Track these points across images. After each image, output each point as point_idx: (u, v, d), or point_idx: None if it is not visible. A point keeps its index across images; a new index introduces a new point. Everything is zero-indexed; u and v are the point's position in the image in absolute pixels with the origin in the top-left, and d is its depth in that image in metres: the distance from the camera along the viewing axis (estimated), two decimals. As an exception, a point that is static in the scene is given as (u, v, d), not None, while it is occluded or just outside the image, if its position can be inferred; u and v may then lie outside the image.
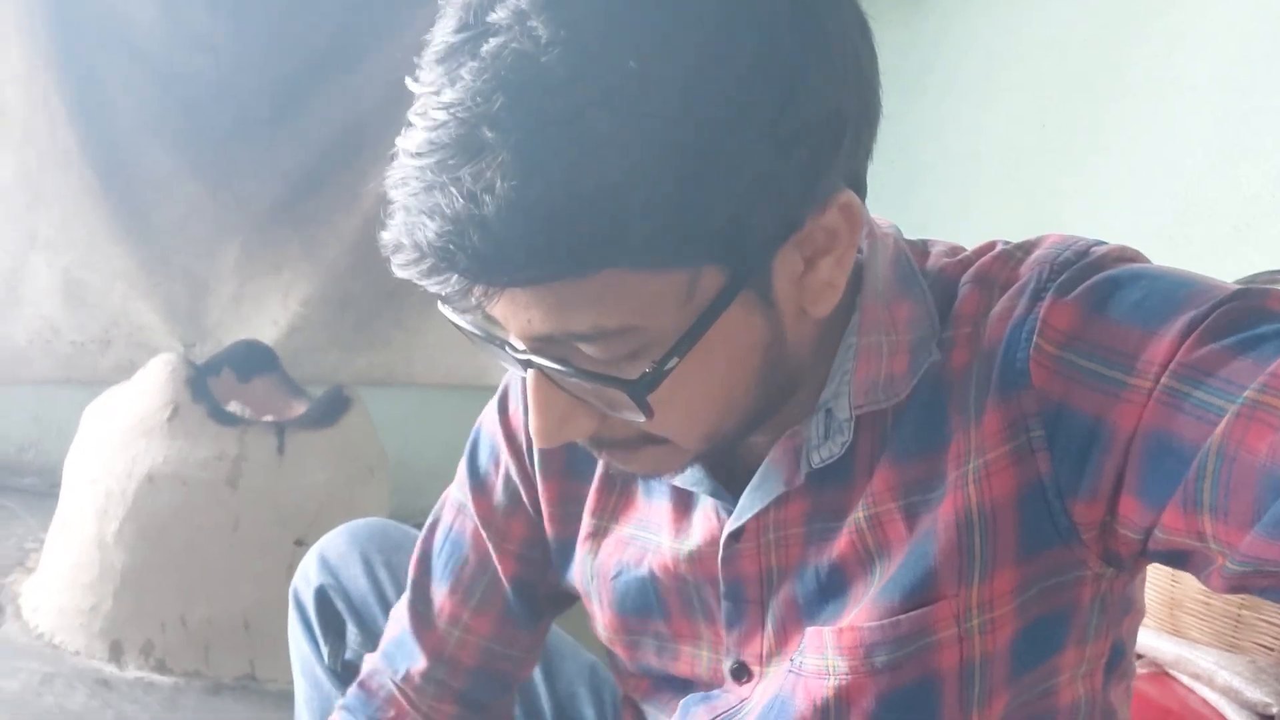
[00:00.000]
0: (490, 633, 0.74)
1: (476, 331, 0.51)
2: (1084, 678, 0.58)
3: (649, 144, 0.42)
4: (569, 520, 0.70)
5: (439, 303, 0.48)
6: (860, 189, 0.51)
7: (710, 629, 0.64)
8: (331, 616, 0.86)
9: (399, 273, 0.45)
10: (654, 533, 0.65)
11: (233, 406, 1.83)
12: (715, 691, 0.65)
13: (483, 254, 0.42)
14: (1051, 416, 0.50)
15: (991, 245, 0.56)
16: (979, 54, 2.12)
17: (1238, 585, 0.47)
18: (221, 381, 1.86)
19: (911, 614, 0.54)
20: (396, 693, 0.76)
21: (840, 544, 0.57)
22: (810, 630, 0.58)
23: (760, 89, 0.44)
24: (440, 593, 0.74)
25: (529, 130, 0.41)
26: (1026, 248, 0.55)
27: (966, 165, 2.13)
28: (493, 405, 0.73)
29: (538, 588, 0.74)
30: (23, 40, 1.94)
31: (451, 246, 0.42)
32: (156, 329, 2.15)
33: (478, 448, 0.74)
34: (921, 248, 0.59)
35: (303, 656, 0.88)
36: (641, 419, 0.49)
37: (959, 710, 0.55)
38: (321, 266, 2.24)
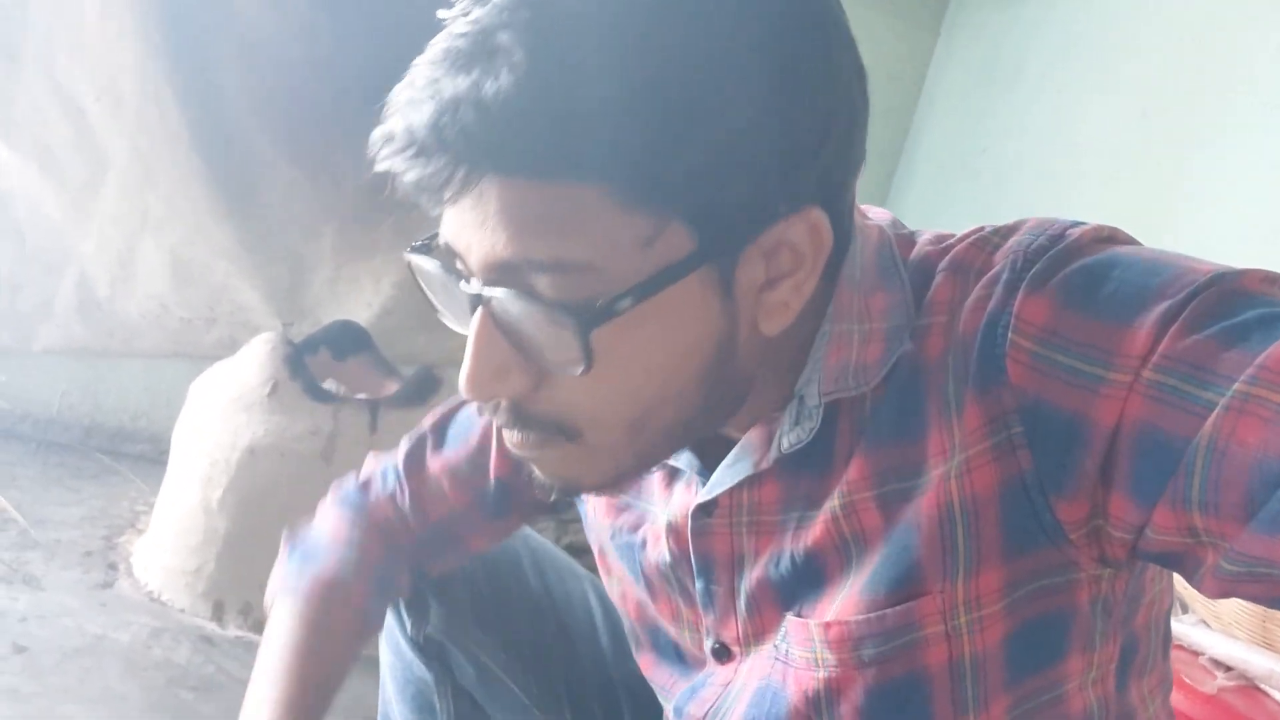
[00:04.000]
0: (460, 505, 0.81)
1: (436, 270, 0.52)
2: (1095, 683, 0.57)
3: (650, 77, 0.45)
4: None
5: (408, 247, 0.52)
6: (836, 214, 0.52)
7: (689, 610, 0.66)
8: (416, 590, 0.90)
9: (380, 165, 0.47)
10: (647, 501, 0.68)
11: (328, 384, 1.90)
12: (699, 677, 0.68)
13: (473, 133, 0.44)
14: (1030, 413, 0.49)
15: (977, 229, 0.55)
16: (1081, 45, 2.05)
17: (1230, 589, 0.46)
18: (318, 360, 1.94)
19: (897, 608, 0.54)
20: (384, 499, 0.84)
21: (816, 531, 0.57)
22: (794, 621, 0.59)
23: (759, 63, 0.47)
24: (437, 457, 0.82)
25: (544, 39, 0.44)
26: (1004, 232, 0.54)
27: (1063, 159, 2.07)
28: None
29: (518, 492, 0.79)
30: (136, 33, 2.03)
31: (444, 122, 0.44)
32: (257, 307, 2.25)
33: None
34: (909, 238, 0.58)
35: (387, 628, 0.92)
36: (579, 369, 0.48)
37: (953, 710, 0.55)
38: (413, 249, 2.30)
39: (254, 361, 1.74)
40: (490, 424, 0.78)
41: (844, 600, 0.56)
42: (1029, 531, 0.51)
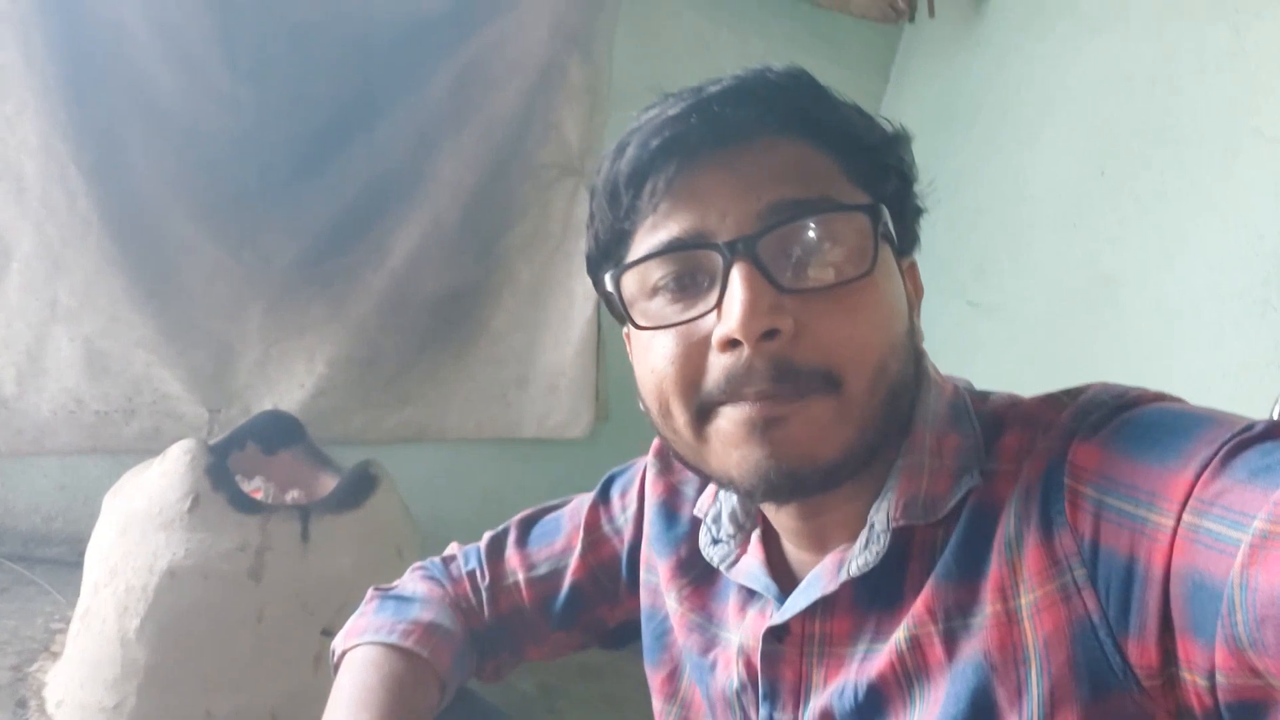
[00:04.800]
0: (526, 606, 0.85)
1: (673, 260, 0.58)
2: None
3: (859, 112, 0.63)
4: (650, 589, 0.78)
5: (650, 235, 0.59)
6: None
7: None
8: None
9: (658, 138, 0.58)
10: (720, 625, 0.71)
11: (256, 483, 1.77)
12: None
13: (779, 91, 0.59)
14: (1089, 555, 0.51)
15: (1048, 393, 0.60)
16: (1034, 91, 2.00)
17: None
18: (246, 455, 1.80)
19: None
20: (465, 577, 0.87)
21: (880, 663, 0.59)
22: None
23: (891, 127, 0.64)
24: (518, 551, 0.86)
25: (799, 72, 0.61)
26: (1074, 393, 0.58)
27: (1021, 207, 2.01)
28: (655, 461, 0.81)
29: (586, 607, 0.84)
30: (40, 111, 1.89)
31: (752, 85, 0.58)
32: (181, 396, 2.10)
33: (626, 476, 0.85)
34: (984, 394, 0.65)
35: None
36: (866, 266, 0.56)
37: None
38: (349, 325, 2.18)
39: (172, 473, 1.59)
40: (575, 529, 0.84)
41: None
42: (1101, 675, 0.51)
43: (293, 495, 1.76)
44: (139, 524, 1.57)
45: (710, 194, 0.57)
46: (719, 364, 0.56)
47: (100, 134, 1.94)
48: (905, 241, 0.63)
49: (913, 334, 0.61)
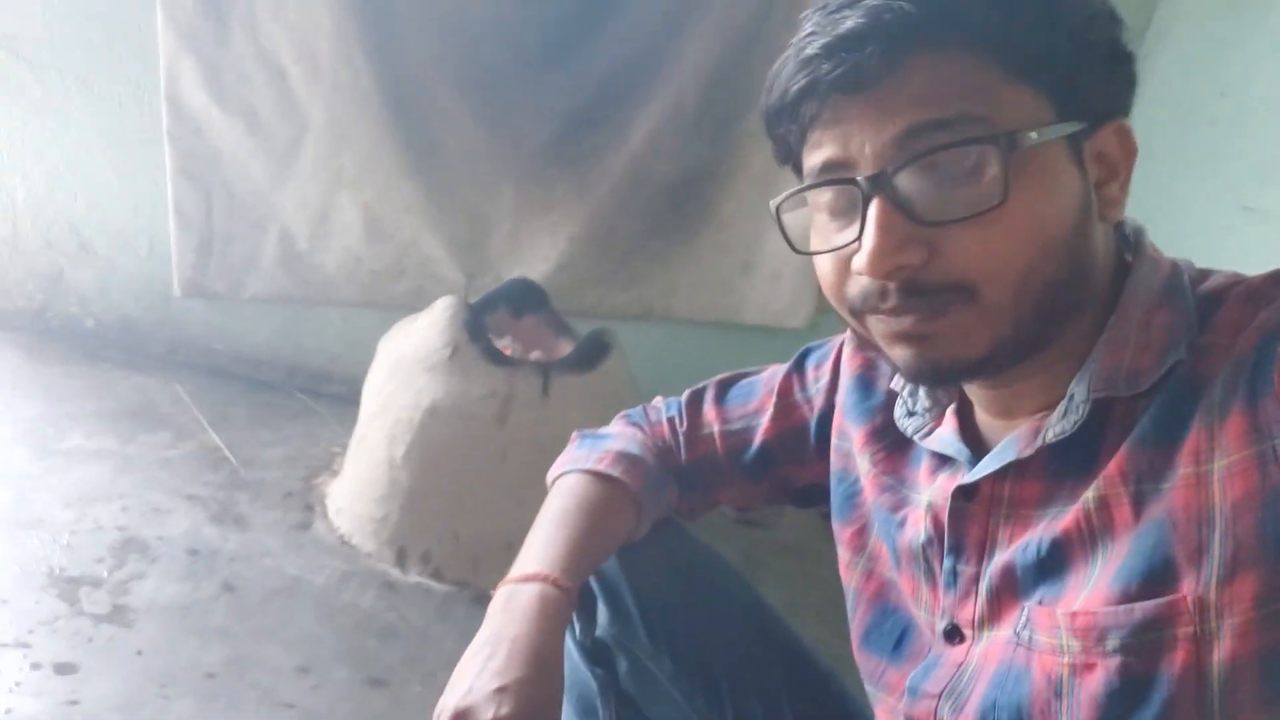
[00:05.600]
0: (719, 455, 0.92)
1: (825, 192, 0.61)
2: None
3: None
4: (849, 456, 0.81)
5: (807, 159, 0.62)
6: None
7: (930, 590, 0.71)
8: (585, 593, 0.92)
9: (799, 78, 0.58)
10: (911, 487, 0.74)
11: (505, 341, 1.95)
12: (931, 659, 0.70)
13: (906, 18, 0.55)
14: None
15: (1276, 270, 0.59)
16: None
17: None
18: (496, 317, 1.99)
19: (1146, 603, 0.55)
20: (664, 422, 0.96)
21: (1065, 522, 0.60)
22: (1038, 609, 0.61)
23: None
24: (715, 407, 0.94)
25: None
26: None
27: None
28: (852, 337, 0.84)
29: (774, 464, 0.90)
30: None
31: (880, 14, 0.56)
32: (442, 261, 2.33)
33: (823, 350, 0.90)
34: (1205, 272, 0.63)
35: None
36: (998, 198, 0.55)
37: (1197, 716, 0.54)
38: (589, 205, 2.31)
39: (436, 324, 1.79)
40: (768, 392, 0.90)
41: (1091, 591, 0.58)
42: None
43: (536, 354, 1.94)
44: (407, 366, 1.79)
45: (851, 124, 0.58)
46: (859, 282, 0.61)
47: (381, 18, 2.13)
48: (1095, 112, 0.59)
49: (1089, 222, 0.59)
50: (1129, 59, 0.60)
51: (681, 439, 0.94)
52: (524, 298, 2.03)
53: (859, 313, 0.63)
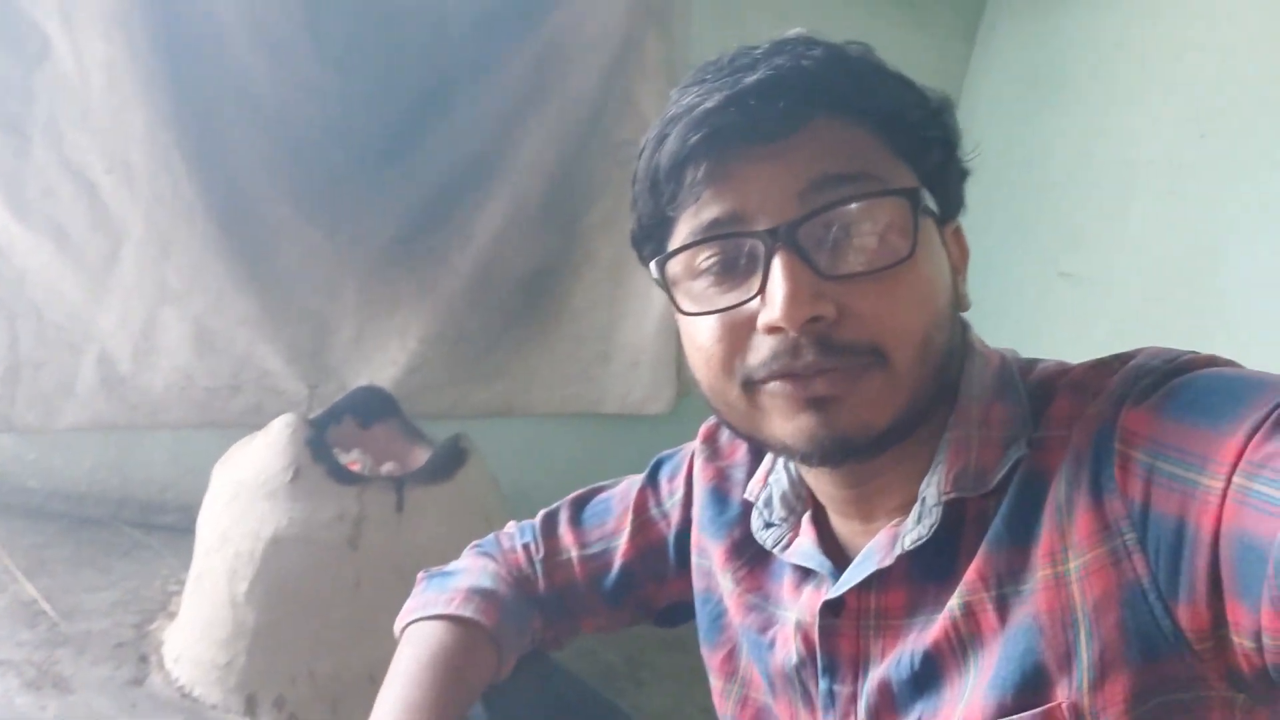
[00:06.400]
0: (579, 581, 0.88)
1: (716, 248, 0.60)
2: None
3: (907, 86, 0.62)
4: (711, 576, 0.79)
5: (692, 221, 0.60)
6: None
7: (809, 713, 0.69)
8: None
9: (695, 133, 0.57)
10: (776, 604, 0.72)
11: (353, 456, 1.84)
12: None
13: (814, 78, 0.57)
14: (1139, 519, 0.52)
15: (1098, 359, 0.60)
16: (1129, 51, 1.92)
17: None
18: (343, 429, 1.88)
19: (1024, 715, 0.55)
20: (519, 549, 0.90)
21: (934, 632, 0.60)
22: None
23: (935, 96, 0.62)
24: (571, 529, 0.89)
25: (830, 45, 0.60)
26: (1124, 358, 0.58)
27: (1117, 173, 1.94)
28: (703, 447, 0.83)
29: (635, 586, 0.86)
30: (143, 102, 1.99)
31: (786, 74, 0.57)
32: (281, 372, 2.20)
33: (674, 461, 0.87)
34: (1030, 363, 0.65)
35: None
36: (906, 251, 0.56)
37: None
38: (438, 304, 2.24)
39: (275, 445, 1.67)
40: (625, 510, 0.87)
41: (968, 705, 0.57)
42: (1151, 638, 0.52)
43: (388, 467, 1.84)
44: (246, 494, 1.66)
45: (750, 179, 0.58)
46: (765, 343, 0.58)
47: (199, 121, 2.03)
48: (950, 207, 0.63)
49: (956, 303, 0.62)
50: (963, 176, 0.64)
51: (539, 566, 0.89)
52: (372, 406, 1.93)
53: (758, 381, 0.59)
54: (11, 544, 2.08)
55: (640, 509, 0.87)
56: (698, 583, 0.81)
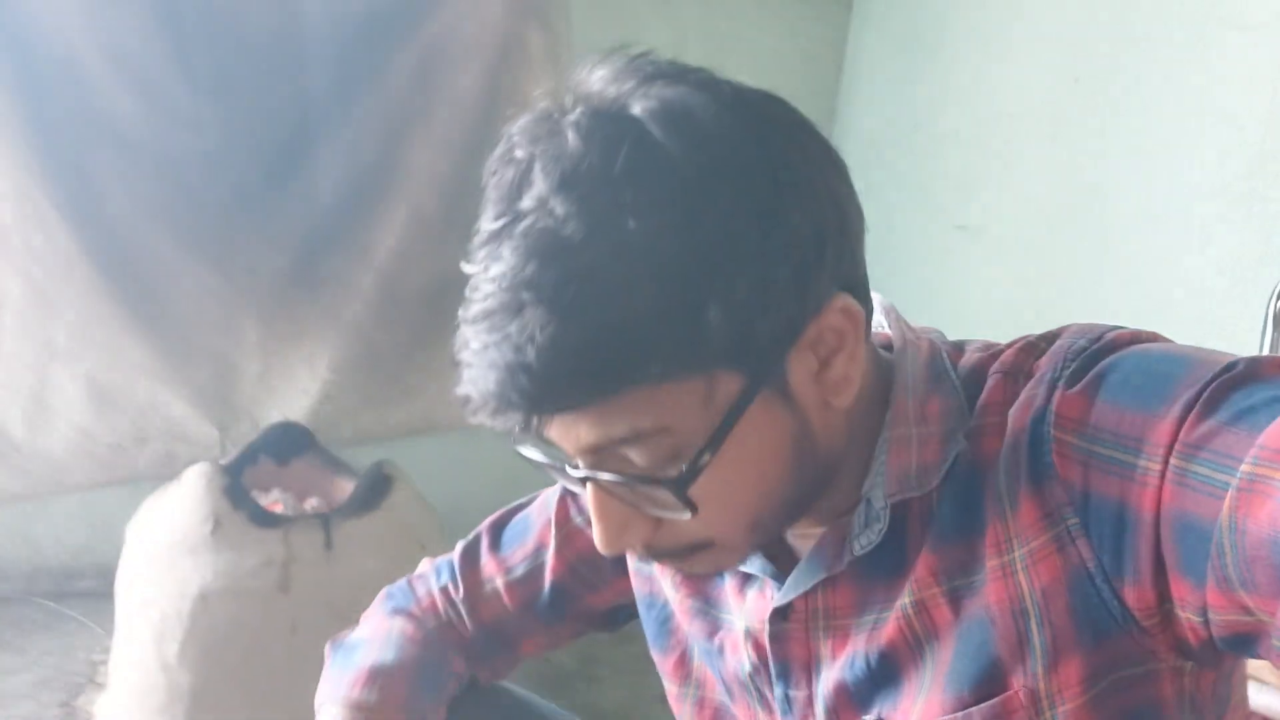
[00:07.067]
0: (514, 608, 0.84)
1: (542, 460, 0.59)
2: None
3: (652, 284, 0.50)
4: (644, 576, 0.77)
5: (510, 441, 0.57)
6: (858, 292, 0.57)
7: (767, 716, 0.69)
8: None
9: (472, 419, 0.54)
10: (721, 609, 0.71)
11: (274, 496, 1.79)
12: None
13: (531, 394, 0.51)
14: (1080, 504, 0.52)
15: (1025, 337, 0.60)
16: (1004, 10, 1.97)
17: None
18: (260, 470, 1.82)
19: (983, 705, 0.56)
20: (434, 596, 0.86)
21: (889, 630, 0.60)
22: None
23: (741, 228, 0.51)
24: (492, 558, 0.85)
25: (556, 289, 0.50)
26: (1049, 338, 0.58)
27: (999, 125, 1.99)
28: None
29: (572, 599, 0.83)
30: (6, 157, 1.88)
31: (507, 391, 0.51)
32: (188, 418, 2.11)
33: None
34: (958, 347, 0.63)
35: None
36: (686, 515, 0.55)
37: None
38: (344, 327, 2.18)
39: (190, 497, 1.61)
40: (546, 524, 0.83)
41: (926, 700, 0.58)
42: (1101, 620, 0.53)
43: (311, 503, 1.78)
44: (165, 552, 1.59)
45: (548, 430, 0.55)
46: None
47: (70, 170, 1.92)
48: (802, 312, 0.54)
49: (808, 444, 0.57)
50: (818, 261, 0.53)
51: (462, 608, 0.85)
52: (288, 441, 1.87)
53: None
54: (-84, 633, 1.96)
55: (562, 519, 0.83)
56: (639, 587, 0.79)
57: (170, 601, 1.56)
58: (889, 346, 0.64)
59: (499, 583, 0.84)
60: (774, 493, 0.57)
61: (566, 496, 0.83)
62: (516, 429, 0.53)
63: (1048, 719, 0.54)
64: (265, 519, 1.61)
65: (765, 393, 0.54)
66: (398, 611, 0.86)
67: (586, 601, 0.84)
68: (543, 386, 0.50)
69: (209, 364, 2.12)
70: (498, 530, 0.86)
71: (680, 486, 0.54)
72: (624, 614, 0.85)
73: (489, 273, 0.52)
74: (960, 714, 0.56)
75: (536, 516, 0.85)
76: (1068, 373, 0.54)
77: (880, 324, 0.64)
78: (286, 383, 2.18)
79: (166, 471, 1.85)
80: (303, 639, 1.57)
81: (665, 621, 0.77)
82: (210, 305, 2.09)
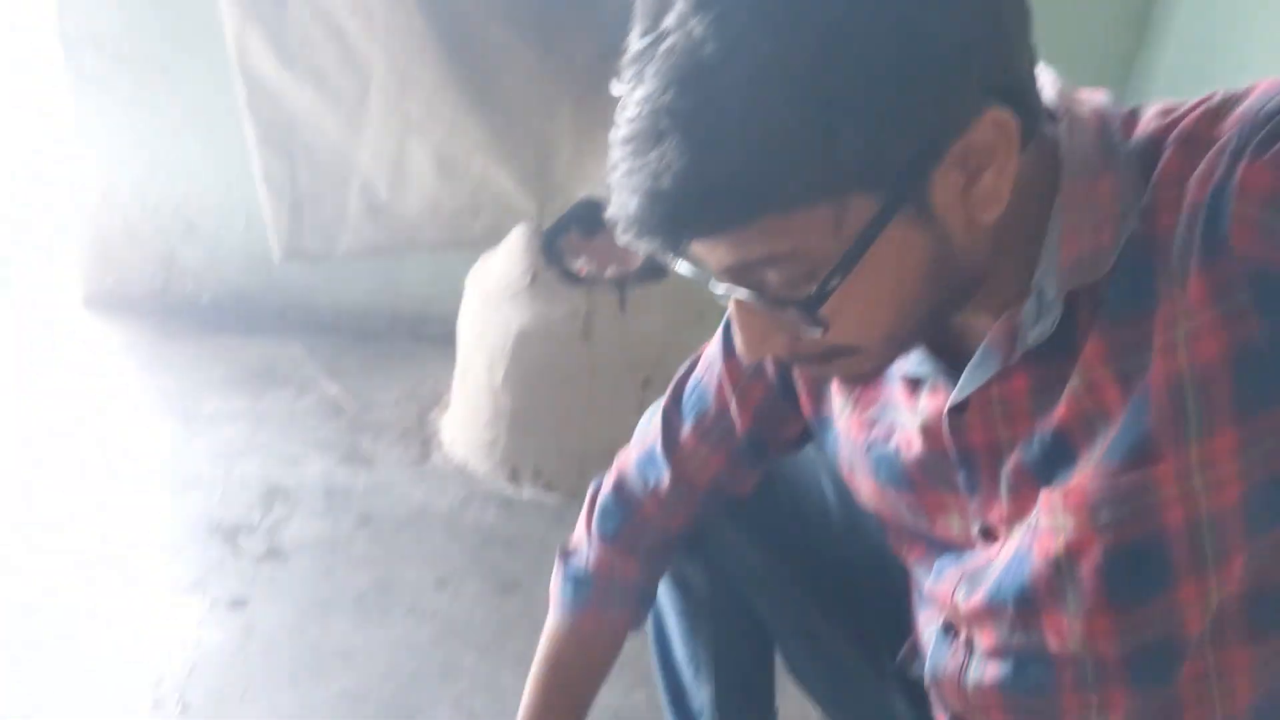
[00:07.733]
0: (722, 466, 0.89)
1: (690, 273, 0.61)
2: None
3: (785, 109, 0.49)
4: (821, 398, 0.80)
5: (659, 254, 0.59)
6: (1017, 99, 0.54)
7: (954, 498, 0.70)
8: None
9: (620, 240, 0.56)
10: (894, 412, 0.73)
11: (580, 262, 2.03)
12: (967, 552, 0.72)
13: (667, 221, 0.53)
14: (1256, 279, 0.51)
15: (1207, 98, 0.55)
16: None
17: None
18: (569, 240, 2.06)
19: (1131, 474, 0.57)
20: (647, 501, 0.92)
21: (1060, 412, 0.60)
22: (1044, 493, 0.63)
23: (877, 46, 0.49)
24: (685, 428, 0.89)
25: (693, 114, 0.50)
26: (1234, 100, 0.53)
27: None
28: None
29: (767, 439, 0.87)
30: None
31: (646, 217, 0.53)
32: (513, 192, 2.39)
33: None
34: (1133, 115, 0.59)
35: None
36: (818, 333, 0.57)
37: (1193, 567, 0.58)
38: (647, 115, 2.32)
39: (514, 254, 1.89)
40: (720, 386, 0.86)
41: (1085, 469, 0.60)
42: (1261, 394, 0.53)
43: (611, 271, 2.01)
44: (494, 297, 1.90)
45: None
46: None
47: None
48: (966, 108, 0.52)
49: (947, 261, 0.56)
50: (963, 70, 0.51)
51: (680, 492, 0.91)
52: (592, 217, 2.09)
53: None
54: (313, 354, 2.47)
55: (735, 377, 0.85)
56: (808, 409, 0.82)
57: (498, 337, 1.87)
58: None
59: (703, 450, 0.89)
60: (908, 310, 0.58)
61: (732, 359, 0.86)
62: (657, 250, 0.56)
63: (1197, 485, 0.56)
64: (572, 278, 1.85)
65: (903, 215, 0.53)
66: (614, 538, 0.93)
67: (780, 435, 0.88)
68: (678, 215, 0.53)
69: (532, 145, 2.36)
70: (677, 404, 0.90)
71: (810, 308, 0.55)
72: (808, 435, 0.88)
73: (634, 95, 0.52)
74: (1109, 481, 0.58)
75: (708, 381, 0.88)
76: (1256, 139, 0.49)
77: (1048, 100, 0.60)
78: (594, 165, 2.38)
79: (494, 239, 2.14)
80: (600, 380, 1.83)
81: (837, 438, 0.80)
82: (534, 91, 2.31)
